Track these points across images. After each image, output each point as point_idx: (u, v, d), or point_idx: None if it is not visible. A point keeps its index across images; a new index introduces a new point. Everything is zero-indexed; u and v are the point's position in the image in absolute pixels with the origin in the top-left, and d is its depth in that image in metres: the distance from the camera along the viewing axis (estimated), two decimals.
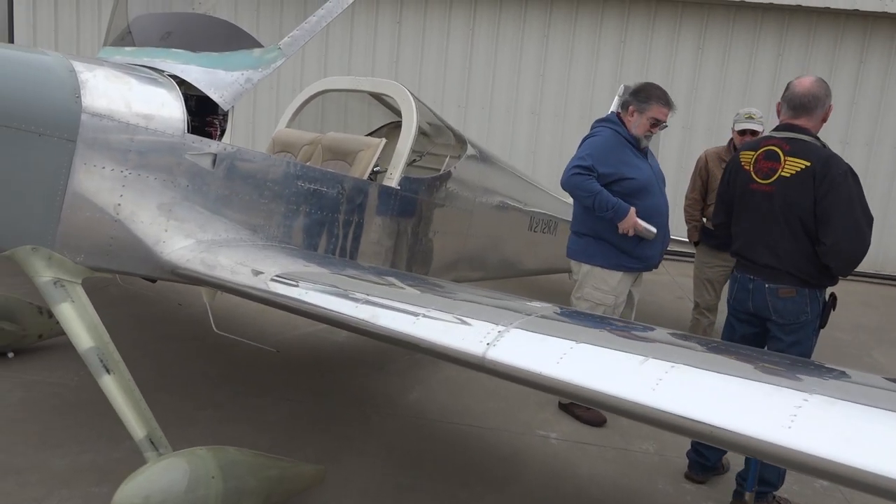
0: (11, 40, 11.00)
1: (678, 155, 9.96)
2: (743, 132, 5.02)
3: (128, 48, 3.62)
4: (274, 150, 4.60)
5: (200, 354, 4.96)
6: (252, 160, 3.47)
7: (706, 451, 3.76)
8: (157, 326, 5.34)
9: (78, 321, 2.93)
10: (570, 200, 6.74)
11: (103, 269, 3.13)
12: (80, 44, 11.24)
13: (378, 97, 5.06)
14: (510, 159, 7.65)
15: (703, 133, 10.16)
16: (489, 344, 2.10)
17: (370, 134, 5.41)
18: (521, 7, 10.43)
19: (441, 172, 4.58)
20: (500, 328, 2.16)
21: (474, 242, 5.09)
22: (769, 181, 3.34)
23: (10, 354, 4.52)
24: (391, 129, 5.44)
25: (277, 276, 2.94)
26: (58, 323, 4.59)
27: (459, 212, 4.81)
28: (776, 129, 3.44)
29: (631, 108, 4.16)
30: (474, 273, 5.24)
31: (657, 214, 4.26)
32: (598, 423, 4.40)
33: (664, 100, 4.20)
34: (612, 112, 4.39)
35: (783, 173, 3.28)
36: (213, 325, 3.62)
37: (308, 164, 3.95)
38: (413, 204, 4.35)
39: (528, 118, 10.62)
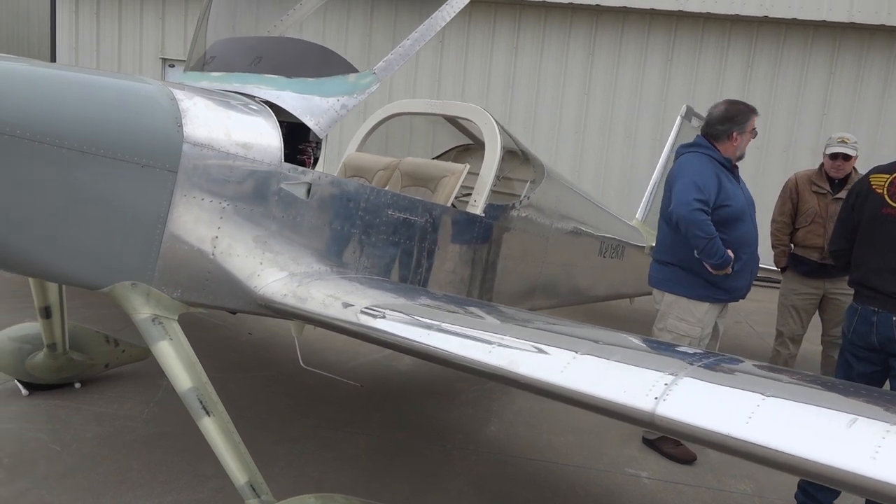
0: (54, 59, 11.02)
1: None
2: (835, 156, 4.83)
3: (215, 73, 3.50)
4: (346, 175, 4.46)
5: (269, 385, 4.82)
6: (345, 189, 3.33)
7: (818, 494, 3.56)
8: (224, 354, 5.22)
9: (177, 360, 2.79)
10: (633, 222, 6.67)
11: (199, 305, 2.99)
12: (122, 62, 11.25)
13: (453, 121, 4.92)
14: None
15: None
16: (658, 398, 1.92)
17: (437, 158, 5.28)
18: (566, 23, 10.31)
19: (521, 198, 4.42)
20: (669, 378, 1.97)
21: (549, 270, 4.92)
22: None
23: (78, 385, 4.40)
24: (460, 153, 5.31)
25: (386, 309, 2.78)
26: (124, 352, 4.61)
27: (536, 239, 4.64)
28: None
29: (734, 133, 4.00)
30: (547, 301, 5.07)
31: (749, 243, 4.08)
32: (689, 460, 4.20)
33: (753, 109, 4.13)
34: (698, 136, 4.22)
35: None
36: (301, 360, 3.46)
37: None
38: (494, 231, 4.19)
39: (572, 136, 10.47)
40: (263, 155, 3.00)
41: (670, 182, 4.09)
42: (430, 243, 3.78)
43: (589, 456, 4.21)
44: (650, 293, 6.77)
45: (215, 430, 2.77)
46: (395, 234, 3.57)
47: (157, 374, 4.66)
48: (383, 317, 2.70)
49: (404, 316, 2.74)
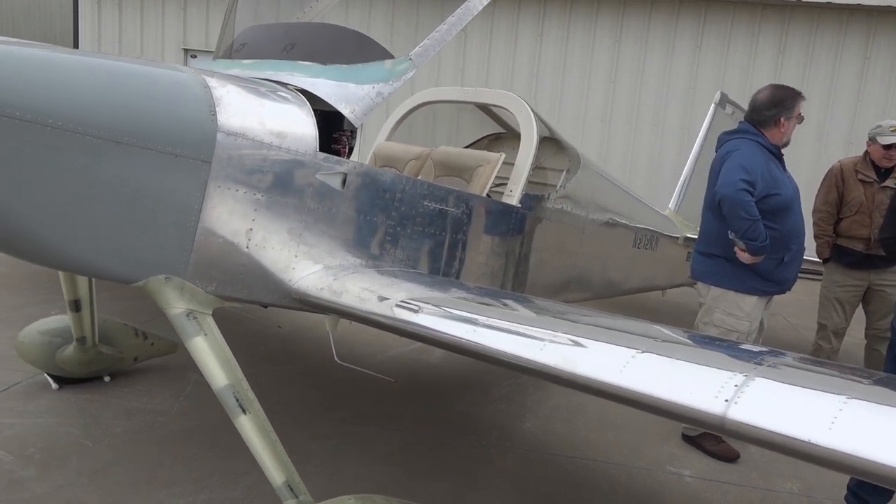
0: (76, 47, 11.00)
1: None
2: (889, 146, 4.64)
3: (246, 61, 3.40)
4: (376, 164, 4.36)
5: (300, 379, 4.75)
6: (381, 180, 3.22)
7: (870, 497, 3.41)
8: (253, 348, 5.15)
9: (212, 356, 2.71)
10: (665, 212, 6.50)
11: (232, 299, 2.90)
12: (144, 53, 11.21)
13: (485, 109, 4.79)
14: None
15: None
16: (728, 401, 1.79)
17: (469, 146, 5.16)
18: (592, 10, 10.11)
19: (557, 188, 4.29)
20: (739, 378, 1.83)
21: (584, 262, 4.79)
22: None
23: (107, 378, 4.35)
24: (491, 142, 5.18)
25: (427, 304, 2.68)
26: (153, 345, 4.55)
27: (572, 229, 4.51)
28: None
29: (781, 119, 3.85)
30: (581, 294, 4.94)
31: (799, 233, 3.94)
32: (732, 458, 4.07)
33: (799, 93, 3.99)
34: (743, 122, 4.06)
35: None
36: (335, 356, 3.37)
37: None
38: (530, 222, 4.07)
39: (598, 124, 10.29)
40: (298, 144, 2.90)
41: (714, 170, 3.94)
42: (466, 235, 3.67)
43: (629, 453, 4.09)
44: (683, 285, 6.69)
45: (252, 429, 2.69)
46: (431, 226, 3.46)
47: (186, 368, 4.60)
48: (424, 312, 2.60)
49: (447, 311, 2.63)
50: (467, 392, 4.83)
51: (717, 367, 1.93)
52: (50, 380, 4.18)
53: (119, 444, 3.64)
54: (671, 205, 6.69)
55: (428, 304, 2.69)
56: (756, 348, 2.19)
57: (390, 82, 3.14)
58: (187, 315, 2.72)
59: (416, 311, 2.61)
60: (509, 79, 10.32)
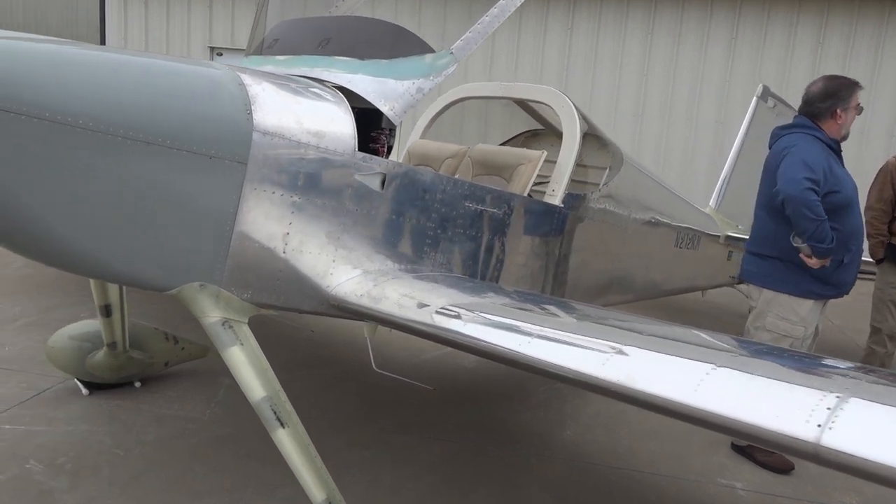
0: (103, 43, 11.01)
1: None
2: None
3: (280, 57, 3.27)
4: (411, 164, 4.22)
5: (334, 384, 4.63)
6: (421, 180, 3.08)
7: None
8: (284, 353, 5.03)
9: (249, 367, 2.59)
10: (706, 210, 6.29)
11: (269, 306, 2.78)
12: (170, 51, 11.18)
13: (523, 104, 4.62)
14: None
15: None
16: (822, 426, 1.62)
17: (504, 143, 5.00)
18: (623, 1, 9.87)
19: (600, 187, 4.12)
20: (832, 400, 1.66)
21: (626, 263, 4.61)
22: None
23: (138, 384, 4.26)
24: (528, 138, 5.02)
25: (474, 312, 2.53)
26: (183, 349, 4.44)
27: (614, 229, 4.34)
28: None
29: (837, 111, 3.65)
30: (623, 296, 4.77)
31: (859, 232, 3.75)
32: (786, 469, 3.88)
33: (855, 82, 3.78)
34: (799, 116, 3.85)
35: None
36: (374, 364, 3.25)
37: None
38: (573, 222, 3.91)
39: (630, 118, 10.06)
40: (336, 144, 2.77)
41: (770, 166, 3.75)
42: (507, 236, 3.52)
43: (676, 464, 3.92)
44: (723, 285, 6.47)
45: (290, 443, 2.58)
46: (472, 228, 3.32)
47: (216, 372, 4.51)
48: (470, 321, 2.45)
49: (494, 319, 2.49)
50: (505, 398, 4.68)
51: (803, 386, 1.76)
52: (80, 385, 4.10)
53: (150, 453, 3.54)
54: (711, 202, 6.47)
55: (474, 311, 2.56)
56: (840, 363, 2.01)
57: (431, 77, 3.00)
58: (223, 324, 2.60)
59: (461, 321, 2.46)
60: (538, 72, 10.13)
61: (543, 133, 4.95)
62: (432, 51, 3.04)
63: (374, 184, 2.90)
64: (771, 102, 6.57)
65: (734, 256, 6.30)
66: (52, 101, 2.15)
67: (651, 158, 9.93)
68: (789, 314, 3.73)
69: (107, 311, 3.78)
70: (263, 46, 3.48)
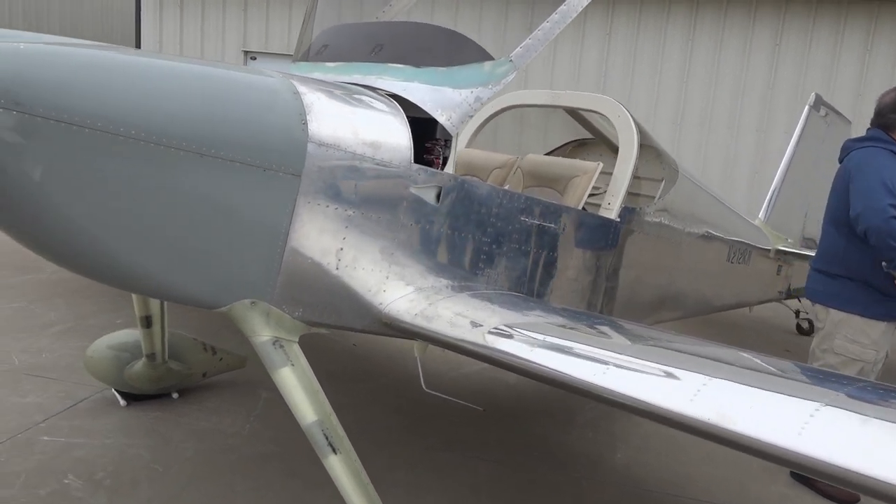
0: (138, 47, 11.03)
1: None
2: None
3: (330, 63, 3.15)
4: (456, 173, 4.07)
5: (379, 399, 4.50)
6: (477, 193, 2.94)
7: None
8: (328, 367, 4.90)
9: (300, 390, 2.47)
10: (755, 222, 6.08)
11: (320, 325, 2.66)
12: (205, 55, 11.18)
13: (574, 113, 4.46)
14: None
15: None
16: None
17: (551, 153, 4.85)
18: (664, 7, 9.66)
19: (655, 200, 3.95)
20: None
21: (679, 278, 4.44)
22: None
23: (175, 395, 4.16)
24: (575, 148, 4.87)
25: (544, 335, 2.39)
26: (221, 360, 4.34)
27: (669, 244, 4.17)
28: None
29: None
30: (674, 313, 4.59)
31: None
32: (851, 501, 3.67)
33: None
34: (872, 129, 3.64)
35: None
36: (423, 384, 3.11)
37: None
38: (628, 237, 3.75)
39: (669, 126, 9.85)
40: (392, 155, 2.64)
41: (842, 182, 3.55)
42: (562, 252, 3.37)
43: (735, 492, 3.73)
44: (772, 300, 6.26)
45: (342, 470, 2.45)
46: (527, 243, 3.17)
47: (254, 383, 4.42)
48: (541, 346, 2.30)
49: (567, 345, 2.33)
50: (548, 416, 4.52)
51: None
52: (118, 396, 4.02)
53: (190, 469, 3.43)
54: (761, 214, 6.25)
55: (540, 336, 2.41)
56: None
57: (489, 86, 2.86)
58: (273, 343, 2.48)
59: (529, 347, 2.31)
60: (576, 78, 9.95)
61: (591, 143, 4.80)
62: (491, 58, 2.90)
63: (430, 197, 2.77)
64: (823, 111, 6.35)
65: (783, 271, 6.09)
66: (100, 109, 2.04)
67: (690, 167, 9.68)
68: (860, 336, 3.53)
69: (147, 322, 3.69)
70: (311, 52, 3.37)
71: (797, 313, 6.93)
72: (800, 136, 6.27)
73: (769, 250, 5.75)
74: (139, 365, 3.91)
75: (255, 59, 11.28)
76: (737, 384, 1.91)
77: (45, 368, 4.43)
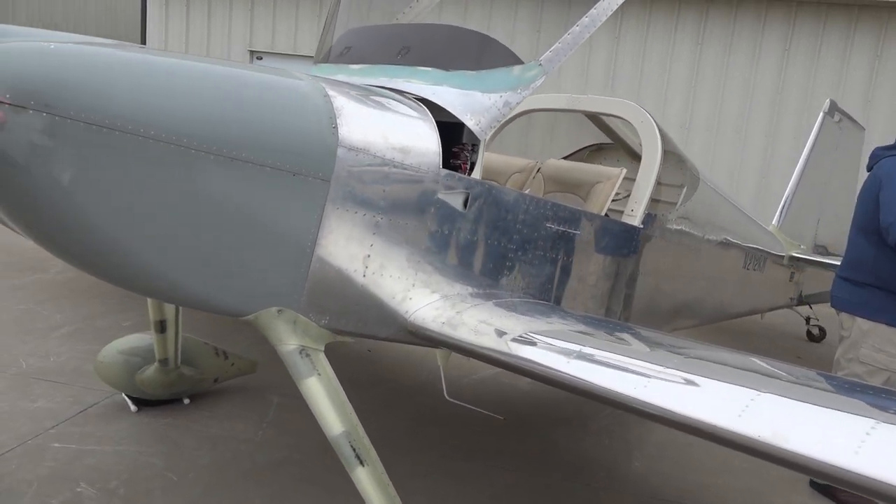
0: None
1: None
2: None
3: (354, 66, 3.09)
4: None
5: (389, 405, 4.44)
6: (504, 199, 2.89)
7: None
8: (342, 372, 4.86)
9: (327, 400, 2.42)
10: (769, 228, 6.04)
11: (346, 333, 2.60)
12: (210, 54, 11.10)
13: (594, 118, 4.41)
14: None
15: None
16: None
17: (568, 157, 4.80)
18: (673, 11, 9.61)
19: (677, 206, 3.90)
20: None
21: (697, 285, 4.39)
22: None
23: (186, 401, 4.10)
24: (592, 153, 4.82)
25: (585, 348, 2.33)
26: (233, 365, 4.27)
27: (689, 251, 4.12)
28: None
29: None
30: (690, 321, 4.54)
31: None
32: None
33: None
34: None
35: None
36: (445, 392, 3.05)
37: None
38: (651, 244, 3.70)
39: (676, 131, 9.80)
40: (421, 161, 2.58)
41: (871, 191, 3.50)
42: (586, 258, 3.32)
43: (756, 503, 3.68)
44: (784, 307, 6.22)
45: (370, 483, 2.40)
46: (553, 250, 3.12)
47: (265, 388, 4.37)
48: (578, 358, 2.24)
49: (605, 356, 2.27)
50: (564, 423, 4.47)
51: None
52: (129, 402, 3.95)
53: (205, 477, 3.37)
54: (774, 220, 6.21)
55: (576, 347, 2.34)
56: None
57: (519, 90, 2.81)
58: (300, 352, 2.43)
59: (566, 359, 2.25)
60: (583, 80, 9.91)
61: (608, 147, 4.75)
62: (520, 61, 2.85)
63: (457, 203, 2.72)
64: (837, 117, 6.31)
65: (795, 277, 6.05)
66: (131, 112, 1.98)
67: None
68: (888, 346, 3.48)
69: (161, 326, 3.63)
70: (334, 54, 3.31)
71: (808, 320, 6.88)
72: (814, 143, 6.22)
73: (783, 257, 5.71)
74: (151, 370, 3.84)
75: (260, 58, 11.22)
76: (786, 399, 1.86)
77: (54, 372, 4.36)
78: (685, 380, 2.05)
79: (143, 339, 3.97)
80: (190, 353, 4.04)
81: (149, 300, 3.54)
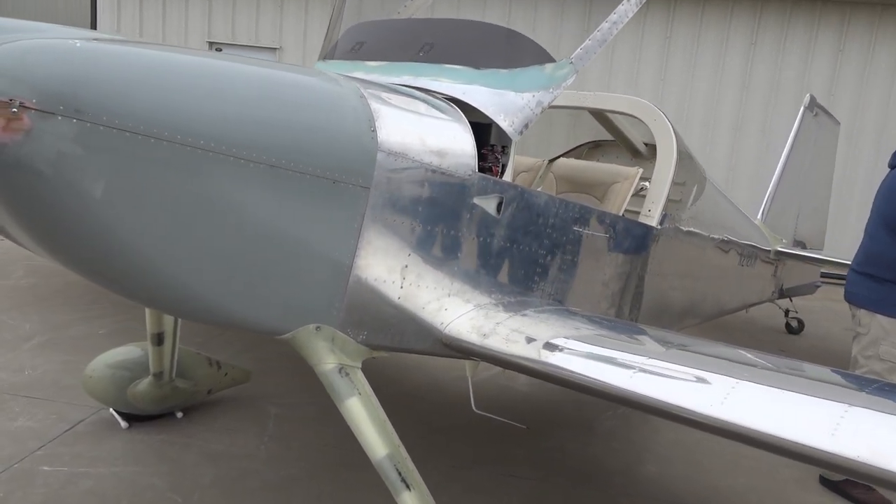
0: None
1: (871, 172, 8.93)
2: None
3: (372, 63, 2.92)
4: None
5: (397, 410, 4.28)
6: (536, 203, 2.77)
7: None
8: None
9: (369, 422, 2.27)
10: (756, 223, 6.07)
11: (381, 348, 2.45)
12: (166, 41, 10.66)
13: (600, 115, 4.31)
14: None
15: None
16: None
17: (565, 155, 4.71)
18: (668, 8, 9.58)
19: (688, 207, 3.84)
20: None
21: (703, 284, 4.36)
22: None
23: (179, 414, 3.88)
24: (591, 150, 4.74)
25: (642, 360, 2.23)
26: (226, 375, 4.06)
27: (697, 250, 4.08)
28: None
29: None
30: (695, 319, 4.51)
31: None
32: None
33: None
34: None
35: None
36: (473, 404, 2.93)
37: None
38: (666, 244, 3.63)
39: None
40: (457, 164, 2.45)
41: (891, 187, 3.49)
42: (609, 260, 3.23)
43: (771, 502, 3.67)
44: (767, 301, 6.27)
45: None
46: (579, 253, 3.02)
47: (259, 398, 4.19)
48: (641, 372, 2.15)
49: (658, 367, 2.18)
50: (569, 427, 4.39)
51: None
52: (118, 418, 3.72)
53: (210, 499, 3.18)
54: (759, 215, 6.25)
55: (631, 360, 2.24)
56: None
57: (551, 90, 2.69)
58: (339, 371, 2.27)
59: (629, 372, 2.15)
60: (581, 76, 9.80)
61: (606, 144, 4.67)
62: (552, 59, 2.73)
63: (491, 208, 2.59)
64: (815, 112, 6.38)
65: (778, 271, 6.10)
66: (168, 117, 1.79)
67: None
68: None
69: (159, 339, 3.41)
70: (343, 49, 3.13)
71: (787, 312, 6.97)
72: (795, 137, 6.29)
73: (769, 252, 5.75)
74: (144, 384, 3.62)
75: (220, 49, 10.83)
76: (876, 412, 1.79)
77: (31, 387, 4.09)
78: (771, 397, 1.97)
79: (132, 351, 3.74)
80: (183, 364, 3.81)
81: (147, 313, 3.32)
